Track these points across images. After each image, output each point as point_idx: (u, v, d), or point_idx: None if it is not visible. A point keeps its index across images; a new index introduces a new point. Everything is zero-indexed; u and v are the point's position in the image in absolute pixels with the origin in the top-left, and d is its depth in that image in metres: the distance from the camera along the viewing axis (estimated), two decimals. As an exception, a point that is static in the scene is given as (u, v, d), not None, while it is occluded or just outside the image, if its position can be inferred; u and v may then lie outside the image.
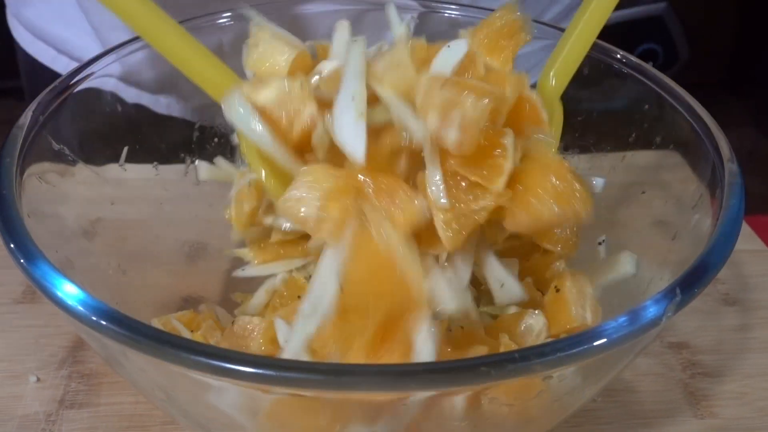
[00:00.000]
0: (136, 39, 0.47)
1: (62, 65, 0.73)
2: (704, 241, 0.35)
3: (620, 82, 0.49)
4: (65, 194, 0.43)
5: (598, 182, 0.44)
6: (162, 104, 0.61)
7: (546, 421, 0.38)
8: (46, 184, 0.40)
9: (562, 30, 0.47)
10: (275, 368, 0.27)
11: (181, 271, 0.48)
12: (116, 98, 0.49)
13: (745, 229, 0.62)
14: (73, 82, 0.44)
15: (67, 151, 0.43)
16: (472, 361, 0.27)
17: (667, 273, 0.39)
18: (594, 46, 0.49)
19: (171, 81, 0.57)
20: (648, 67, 0.47)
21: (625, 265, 0.42)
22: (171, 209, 0.51)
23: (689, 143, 0.42)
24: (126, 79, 0.49)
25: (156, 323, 0.42)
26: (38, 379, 0.48)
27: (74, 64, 0.50)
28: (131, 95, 0.50)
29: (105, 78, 0.46)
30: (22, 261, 0.31)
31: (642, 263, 0.42)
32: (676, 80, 0.45)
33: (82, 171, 0.45)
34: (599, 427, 0.46)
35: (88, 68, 0.45)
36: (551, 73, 0.44)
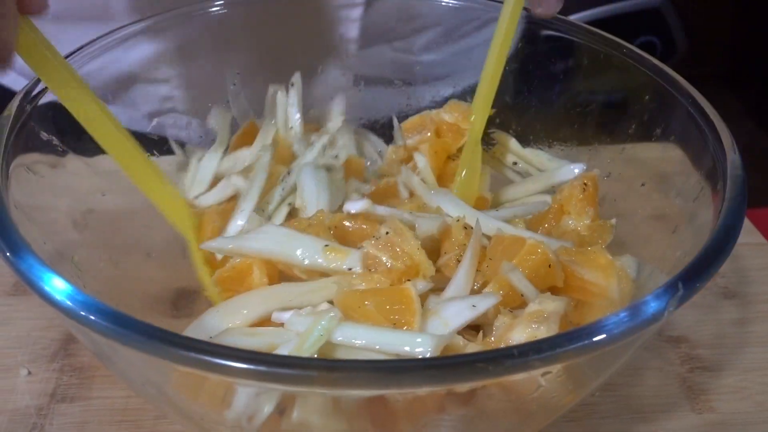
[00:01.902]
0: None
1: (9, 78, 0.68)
2: (705, 234, 0.34)
3: (620, 73, 0.48)
4: (55, 185, 0.42)
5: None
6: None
7: (545, 415, 0.37)
8: (34, 175, 0.39)
9: (590, 30, 0.49)
10: (267, 364, 0.26)
11: (174, 263, 0.47)
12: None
13: (745, 222, 0.61)
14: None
15: (56, 142, 0.42)
16: (469, 357, 0.26)
17: (667, 267, 0.38)
18: (594, 36, 0.49)
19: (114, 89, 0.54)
20: (649, 57, 0.46)
21: (627, 269, 0.41)
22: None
23: (690, 135, 0.42)
24: None
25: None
26: (29, 373, 0.47)
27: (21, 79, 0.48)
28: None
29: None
30: (7, 254, 0.30)
31: (641, 257, 0.42)
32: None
33: (73, 162, 0.44)
34: (598, 421, 0.45)
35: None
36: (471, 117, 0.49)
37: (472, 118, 0.50)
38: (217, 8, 0.52)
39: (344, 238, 0.41)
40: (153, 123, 0.55)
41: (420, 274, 0.38)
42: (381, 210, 0.41)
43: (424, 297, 0.38)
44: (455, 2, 0.54)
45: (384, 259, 0.38)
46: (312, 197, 0.46)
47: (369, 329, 0.33)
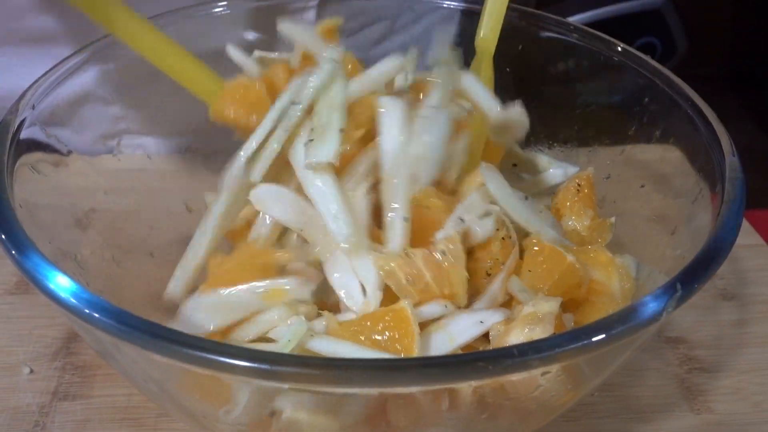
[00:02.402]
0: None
1: None
2: (704, 235, 0.34)
3: (620, 75, 0.48)
4: (58, 184, 0.42)
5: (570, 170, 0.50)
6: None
7: (544, 414, 0.38)
8: (38, 174, 0.40)
9: (588, 33, 0.50)
10: (269, 362, 0.26)
11: (176, 262, 0.47)
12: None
13: (744, 223, 0.61)
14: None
15: (60, 141, 0.43)
16: (469, 356, 0.27)
17: (666, 268, 0.39)
18: (593, 38, 0.49)
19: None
20: (648, 59, 0.46)
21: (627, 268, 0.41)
22: (165, 200, 0.51)
23: (689, 137, 0.42)
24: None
25: None
26: (31, 371, 0.47)
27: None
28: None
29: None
30: (13, 252, 0.30)
31: (640, 257, 0.42)
32: (675, 74, 0.45)
33: (76, 161, 0.44)
34: (596, 421, 0.45)
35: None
36: (481, 32, 0.47)
37: (482, 33, 0.48)
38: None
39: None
40: (109, 144, 0.51)
41: (452, 301, 0.37)
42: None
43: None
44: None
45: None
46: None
47: (351, 346, 0.33)
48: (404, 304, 0.35)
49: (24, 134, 0.39)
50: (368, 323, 0.34)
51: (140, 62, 0.43)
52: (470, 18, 0.52)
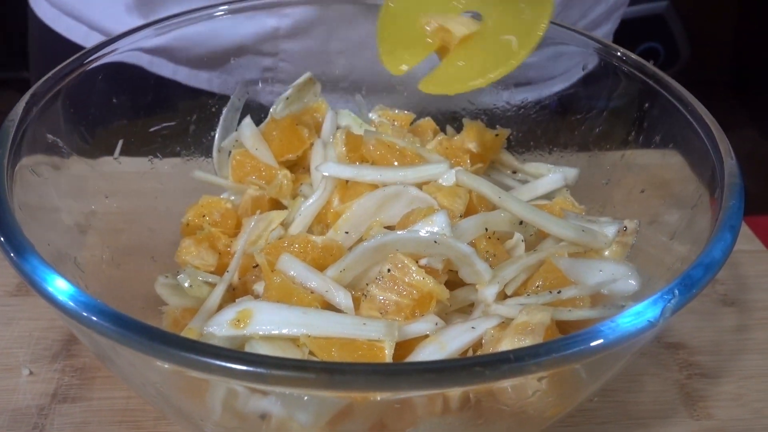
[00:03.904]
0: (177, 15, 0.50)
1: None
2: (703, 241, 0.34)
3: (620, 80, 0.48)
4: (58, 187, 0.42)
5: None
6: (203, 79, 0.62)
7: (543, 419, 0.38)
8: (38, 177, 0.40)
9: (590, 37, 0.49)
10: (267, 366, 0.26)
11: (175, 264, 0.47)
12: (143, 73, 0.50)
13: (745, 229, 0.61)
14: (97, 55, 0.45)
15: (60, 144, 0.43)
16: (466, 361, 0.26)
17: (665, 273, 0.39)
18: (594, 43, 0.49)
19: (218, 57, 0.59)
20: (648, 65, 0.46)
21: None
22: (166, 203, 0.51)
23: (689, 142, 0.42)
24: (163, 53, 0.51)
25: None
26: (31, 373, 0.47)
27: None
28: (167, 70, 0.54)
29: (134, 52, 0.48)
30: (11, 255, 0.31)
31: (640, 263, 0.42)
32: (677, 79, 0.45)
33: (76, 163, 0.45)
34: (595, 427, 0.45)
35: (114, 43, 0.47)
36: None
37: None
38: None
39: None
40: (247, 90, 0.57)
41: (434, 301, 0.37)
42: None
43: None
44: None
45: (394, 297, 0.37)
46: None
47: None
48: (384, 345, 0.35)
49: (25, 137, 0.39)
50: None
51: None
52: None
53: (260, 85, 0.61)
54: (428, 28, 0.43)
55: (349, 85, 0.58)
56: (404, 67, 0.43)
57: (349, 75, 0.58)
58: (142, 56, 0.49)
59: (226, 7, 0.52)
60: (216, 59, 0.60)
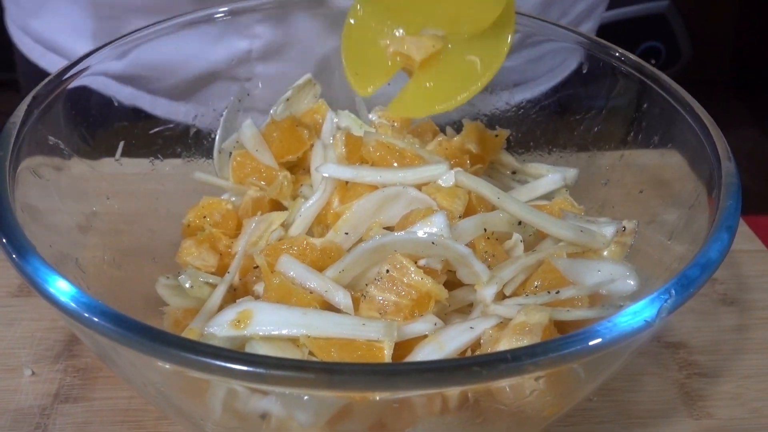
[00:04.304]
0: (136, 32, 0.48)
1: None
2: (701, 241, 0.34)
3: (619, 81, 0.48)
4: (60, 188, 0.42)
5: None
6: (180, 111, 0.58)
7: (542, 418, 0.38)
8: (40, 179, 0.40)
9: (575, 32, 0.48)
10: (267, 366, 0.26)
11: (177, 265, 0.48)
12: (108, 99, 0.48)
13: (745, 229, 0.61)
14: (65, 78, 0.43)
15: (62, 145, 0.43)
16: (464, 360, 0.27)
17: (664, 273, 0.39)
18: (593, 43, 0.49)
19: (191, 85, 0.57)
20: (647, 65, 0.46)
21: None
22: (167, 204, 0.51)
23: (687, 142, 0.42)
24: (136, 82, 0.49)
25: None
26: (33, 373, 0.47)
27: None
28: (126, 95, 0.50)
29: (97, 77, 0.46)
30: (13, 256, 0.31)
31: (638, 262, 0.42)
32: (678, 79, 0.45)
33: (78, 165, 0.45)
34: (595, 426, 0.45)
35: (81, 64, 0.45)
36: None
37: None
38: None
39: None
40: (221, 118, 0.55)
41: (433, 301, 0.38)
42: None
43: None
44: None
45: (393, 298, 0.37)
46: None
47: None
48: (383, 345, 0.35)
49: (27, 139, 0.39)
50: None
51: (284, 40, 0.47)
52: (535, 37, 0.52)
53: (239, 113, 0.57)
54: (388, 51, 0.42)
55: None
56: (371, 89, 0.42)
57: (326, 93, 0.56)
58: (113, 85, 0.47)
59: (184, 18, 0.50)
60: (189, 88, 0.58)
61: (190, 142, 0.54)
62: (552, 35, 0.51)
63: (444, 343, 0.35)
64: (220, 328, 0.36)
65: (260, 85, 0.62)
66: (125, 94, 0.49)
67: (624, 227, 0.42)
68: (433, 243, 0.38)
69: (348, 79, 0.43)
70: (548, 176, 0.50)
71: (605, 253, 0.42)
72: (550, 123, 0.54)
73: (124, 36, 0.48)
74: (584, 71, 0.49)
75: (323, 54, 0.57)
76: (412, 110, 0.42)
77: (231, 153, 0.53)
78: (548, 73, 0.55)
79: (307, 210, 0.46)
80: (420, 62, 0.41)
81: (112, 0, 0.62)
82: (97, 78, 0.46)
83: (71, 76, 0.44)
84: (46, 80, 0.42)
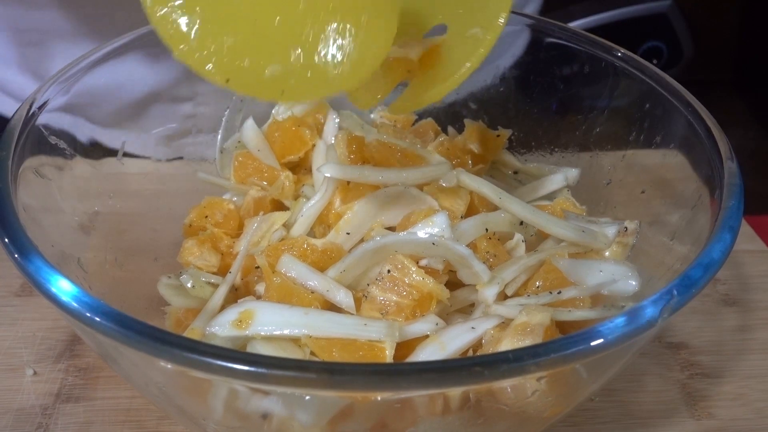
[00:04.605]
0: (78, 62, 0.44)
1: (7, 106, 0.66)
2: (703, 241, 0.34)
3: (621, 81, 0.48)
4: (62, 188, 0.42)
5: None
6: (117, 138, 0.52)
7: (545, 419, 0.38)
8: (42, 178, 0.40)
9: (519, 14, 0.50)
10: (268, 366, 0.26)
11: (178, 265, 0.48)
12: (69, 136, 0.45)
13: (747, 229, 0.61)
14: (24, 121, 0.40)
15: (64, 145, 0.43)
16: (465, 361, 0.27)
17: (666, 273, 0.39)
18: (595, 44, 0.49)
19: (131, 110, 0.53)
20: (649, 65, 0.46)
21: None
22: (169, 203, 0.51)
23: (689, 142, 0.42)
24: (76, 111, 0.45)
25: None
26: (35, 373, 0.47)
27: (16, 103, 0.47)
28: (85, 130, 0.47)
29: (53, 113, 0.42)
30: (15, 255, 0.31)
31: (640, 263, 0.42)
32: (681, 78, 0.45)
33: (80, 165, 0.45)
34: (597, 427, 0.45)
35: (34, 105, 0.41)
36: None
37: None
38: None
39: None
40: (171, 145, 0.53)
41: (434, 301, 0.38)
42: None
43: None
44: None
45: (394, 298, 0.37)
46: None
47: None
48: (385, 345, 0.35)
49: (29, 139, 0.39)
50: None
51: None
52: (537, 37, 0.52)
53: (184, 138, 0.55)
54: (387, 60, 0.39)
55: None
56: (373, 102, 0.40)
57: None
58: (64, 117, 0.44)
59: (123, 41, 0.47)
60: (130, 113, 0.53)
61: (192, 142, 0.54)
62: (553, 35, 0.51)
63: (445, 343, 0.35)
64: (222, 328, 0.36)
65: (204, 104, 0.60)
66: (68, 122, 0.45)
67: (626, 227, 0.42)
68: (433, 243, 0.38)
69: (349, 99, 0.41)
70: (550, 176, 0.50)
71: (607, 253, 0.41)
72: (552, 123, 0.54)
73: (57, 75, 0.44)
74: (586, 71, 0.49)
75: None
76: (416, 102, 0.40)
77: (233, 153, 0.53)
78: (497, 59, 0.55)
79: (308, 210, 0.46)
80: (419, 61, 0.40)
81: (35, 25, 0.60)
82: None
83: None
84: (47, 80, 0.42)
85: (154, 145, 0.53)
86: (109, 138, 0.49)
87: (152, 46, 0.47)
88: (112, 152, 0.48)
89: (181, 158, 0.53)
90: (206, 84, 0.56)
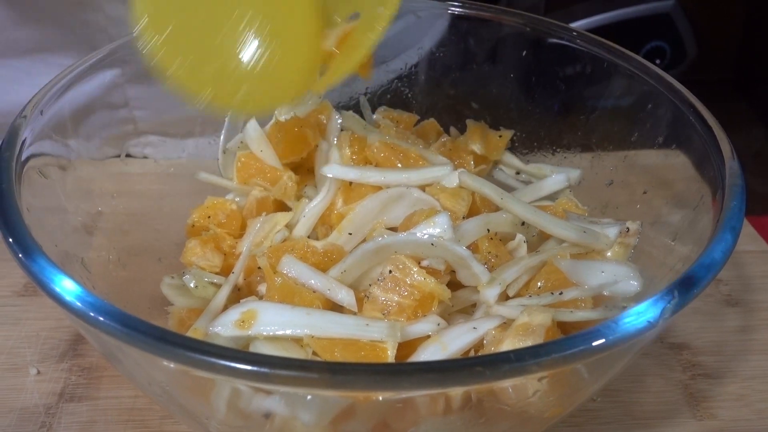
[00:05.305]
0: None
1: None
2: (705, 242, 0.34)
3: (623, 81, 0.48)
4: (65, 188, 0.43)
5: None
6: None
7: (545, 419, 0.38)
8: (46, 179, 0.40)
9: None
10: (270, 366, 0.26)
11: (181, 265, 0.48)
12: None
13: (749, 230, 0.61)
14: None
15: (67, 145, 0.43)
16: (467, 361, 0.27)
17: (667, 274, 0.39)
18: (597, 44, 0.49)
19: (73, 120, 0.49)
20: (651, 65, 0.46)
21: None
22: (171, 204, 0.51)
23: (691, 143, 0.42)
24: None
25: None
26: (38, 372, 0.48)
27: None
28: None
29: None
30: (20, 255, 0.31)
31: (642, 263, 0.42)
32: (684, 78, 0.45)
33: (83, 165, 0.45)
34: (599, 427, 0.45)
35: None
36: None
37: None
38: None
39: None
40: (122, 150, 0.52)
41: (436, 301, 0.38)
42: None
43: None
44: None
45: (396, 298, 0.37)
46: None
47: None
48: (387, 345, 0.35)
49: (33, 139, 0.39)
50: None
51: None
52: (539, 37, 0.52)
53: (130, 144, 0.54)
54: None
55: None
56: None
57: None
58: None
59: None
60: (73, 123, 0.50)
61: (194, 142, 0.54)
62: (416, 7, 0.52)
63: (447, 343, 0.35)
64: (225, 328, 0.36)
65: (139, 108, 0.59)
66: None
67: (627, 228, 0.42)
68: (432, 244, 0.38)
69: None
70: (552, 177, 0.50)
71: (609, 254, 0.42)
72: (554, 123, 0.54)
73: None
74: (588, 72, 0.49)
75: None
76: (338, 72, 0.40)
77: (235, 153, 0.53)
78: (417, 43, 0.55)
79: (311, 210, 0.46)
80: (337, 47, 0.39)
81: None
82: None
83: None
84: (48, 82, 0.43)
85: (96, 149, 0.50)
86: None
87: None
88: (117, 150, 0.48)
89: (184, 158, 0.53)
90: (135, 89, 0.55)
